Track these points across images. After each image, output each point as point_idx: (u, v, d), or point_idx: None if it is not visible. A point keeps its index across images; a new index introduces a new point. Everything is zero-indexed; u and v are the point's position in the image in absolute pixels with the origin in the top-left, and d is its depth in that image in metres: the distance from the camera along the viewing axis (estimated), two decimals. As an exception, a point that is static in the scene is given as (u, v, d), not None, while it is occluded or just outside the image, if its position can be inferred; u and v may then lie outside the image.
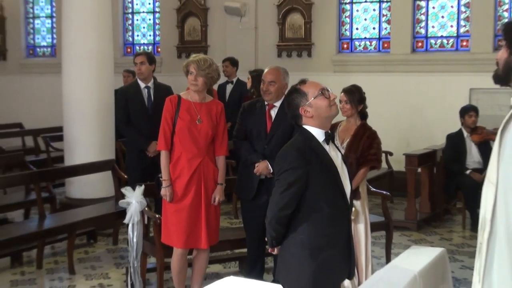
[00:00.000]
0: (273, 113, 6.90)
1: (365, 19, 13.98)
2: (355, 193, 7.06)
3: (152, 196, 7.56)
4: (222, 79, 12.31)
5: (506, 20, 10.75)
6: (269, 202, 4.53)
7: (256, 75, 11.24)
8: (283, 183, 4.36)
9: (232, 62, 12.67)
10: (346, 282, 6.61)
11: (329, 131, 4.60)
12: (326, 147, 4.52)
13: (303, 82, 4.64)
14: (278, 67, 7.08)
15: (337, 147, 4.78)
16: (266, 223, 4.50)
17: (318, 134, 4.49)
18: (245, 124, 7.03)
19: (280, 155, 4.54)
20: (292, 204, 4.34)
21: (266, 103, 6.95)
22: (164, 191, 6.54)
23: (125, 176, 9.33)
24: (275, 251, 4.60)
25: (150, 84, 8.82)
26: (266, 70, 7.01)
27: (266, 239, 4.64)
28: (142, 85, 8.85)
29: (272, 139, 6.67)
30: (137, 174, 8.59)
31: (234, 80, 12.51)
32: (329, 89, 4.56)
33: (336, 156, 4.61)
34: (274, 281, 4.98)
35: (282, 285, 4.67)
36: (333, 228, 4.46)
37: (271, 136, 6.72)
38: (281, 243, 4.52)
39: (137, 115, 8.71)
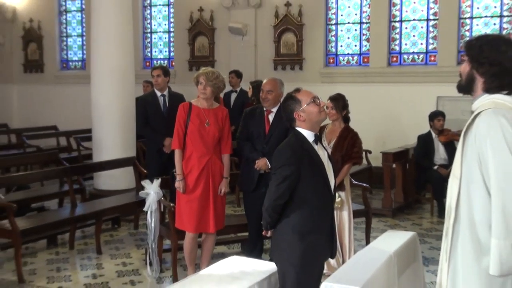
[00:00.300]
0: (271, 117, 6.89)
1: (348, 38, 13.94)
2: (340, 185, 7.09)
3: (167, 187, 7.56)
4: (228, 88, 12.36)
5: (467, 39, 10.71)
6: (267, 193, 4.60)
7: (256, 85, 11.27)
8: (279, 177, 4.45)
9: (237, 74, 12.76)
10: (332, 261, 6.62)
11: (318, 133, 4.70)
12: (315, 146, 4.63)
13: (297, 90, 4.73)
14: (275, 78, 7.07)
15: (324, 147, 4.83)
16: (263, 210, 4.57)
17: (309, 135, 4.59)
18: (247, 126, 7.01)
19: (276, 153, 4.63)
20: (286, 195, 4.43)
21: (264, 109, 6.93)
22: (178, 184, 6.59)
23: (144, 171, 9.31)
24: (269, 234, 4.70)
25: (165, 93, 8.90)
26: (264, 81, 7.02)
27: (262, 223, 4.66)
28: (158, 93, 8.90)
29: (271, 139, 6.64)
30: (154, 169, 8.63)
31: (238, 89, 12.54)
32: (319, 98, 4.67)
33: (323, 154, 4.72)
34: (271, 260, 4.95)
35: (276, 263, 4.76)
36: (319, 216, 4.56)
37: (270, 136, 6.70)
38: (274, 227, 4.59)
39: (154, 118, 8.78)
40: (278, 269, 4.69)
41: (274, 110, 6.85)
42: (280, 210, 4.50)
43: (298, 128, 4.63)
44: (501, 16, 12.41)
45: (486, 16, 12.55)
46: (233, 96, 12.52)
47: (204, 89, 6.56)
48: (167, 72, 9.06)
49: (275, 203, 4.46)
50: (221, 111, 6.80)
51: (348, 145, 7.17)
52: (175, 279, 6.90)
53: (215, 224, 6.63)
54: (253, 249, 6.87)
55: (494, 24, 12.49)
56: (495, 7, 12.44)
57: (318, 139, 4.67)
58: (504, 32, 12.16)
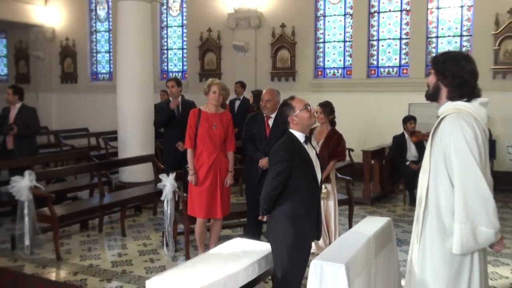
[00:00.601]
0: (270, 122, 6.87)
1: (334, 54, 13.90)
2: (327, 179, 7.11)
3: (181, 180, 7.58)
4: (233, 96, 12.43)
5: (434, 55, 10.68)
6: (264, 184, 4.63)
7: (256, 94, 11.27)
8: (274, 172, 4.51)
9: (242, 85, 12.77)
10: (320, 242, 6.62)
11: (308, 135, 4.75)
12: (305, 146, 4.67)
13: (292, 98, 4.76)
14: (273, 89, 7.03)
15: (313, 146, 4.85)
16: (260, 199, 4.62)
17: (300, 136, 4.65)
18: (249, 130, 6.97)
19: (272, 151, 4.69)
20: (280, 186, 4.49)
21: (264, 115, 6.91)
22: (191, 177, 6.61)
23: (162, 166, 9.28)
24: (265, 219, 4.74)
25: (179, 100, 8.85)
26: (264, 92, 7.00)
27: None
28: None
29: (271, 141, 6.60)
30: (170, 165, 8.62)
31: (241, 97, 12.52)
32: (310, 105, 4.72)
33: (312, 153, 4.75)
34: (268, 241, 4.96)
35: (271, 245, 4.76)
36: (307, 205, 4.61)
37: (270, 139, 6.66)
38: (270, 213, 4.64)
39: (170, 121, 8.74)
40: (272, 250, 4.71)
41: (273, 116, 6.82)
42: (275, 199, 4.54)
43: (291, 130, 4.67)
44: (461, 35, 12.43)
45: (449, 36, 12.56)
46: (237, 103, 12.50)
47: (218, 97, 6.64)
48: (180, 83, 9.05)
49: (270, 193, 4.51)
50: (225, 115, 6.82)
51: (334, 145, 7.20)
52: (187, 257, 6.88)
53: (222, 211, 6.67)
54: (253, 233, 6.86)
55: (456, 42, 12.50)
56: (456, 28, 12.46)
57: (308, 139, 4.72)
58: (463, 49, 12.18)
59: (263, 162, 6.53)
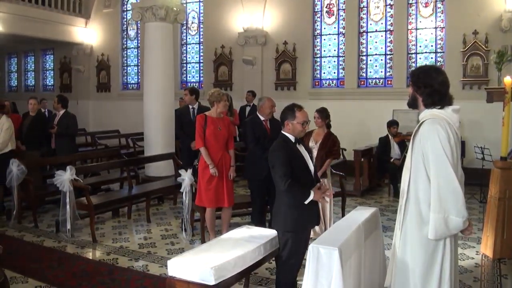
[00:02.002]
0: (268, 124, 6.94)
1: (329, 67, 13.84)
2: (324, 174, 7.05)
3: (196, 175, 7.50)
4: (244, 103, 12.44)
5: (413, 69, 10.65)
6: (276, 186, 4.55)
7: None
8: (281, 174, 4.38)
9: (253, 94, 12.79)
10: (317, 228, 6.59)
11: (298, 138, 4.65)
12: (297, 146, 4.60)
13: (300, 108, 4.63)
14: (271, 98, 7.20)
15: (304, 146, 4.73)
16: (285, 188, 4.39)
17: (292, 138, 4.58)
18: (255, 133, 6.88)
19: (272, 153, 4.56)
20: (286, 170, 4.36)
21: (262, 119, 6.94)
22: (212, 170, 6.53)
23: (181, 162, 9.26)
24: (325, 196, 4.56)
25: (195, 106, 8.80)
26: (268, 101, 7.05)
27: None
28: (190, 107, 8.83)
29: (273, 140, 6.58)
30: (187, 162, 8.56)
31: (251, 104, 12.48)
32: (308, 122, 4.65)
33: (302, 150, 4.65)
34: (271, 227, 4.92)
35: (276, 230, 4.71)
36: None
37: (272, 138, 6.59)
38: (303, 195, 4.43)
39: (186, 124, 8.68)
40: (278, 234, 4.66)
41: (268, 119, 6.97)
42: (295, 184, 4.35)
43: (284, 132, 4.62)
44: (435, 52, 12.42)
45: (426, 52, 12.54)
46: (248, 109, 12.48)
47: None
48: (192, 91, 8.90)
49: (287, 184, 4.34)
50: (226, 119, 6.85)
51: (330, 145, 7.17)
52: (203, 241, 6.86)
53: (228, 201, 6.65)
54: (259, 221, 6.81)
55: (431, 58, 12.48)
56: (431, 45, 12.47)
57: (298, 141, 4.63)
58: (438, 63, 12.21)
59: None
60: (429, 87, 3.45)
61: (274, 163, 4.45)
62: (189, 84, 16.09)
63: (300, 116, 4.56)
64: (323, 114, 7.31)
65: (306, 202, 4.43)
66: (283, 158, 4.40)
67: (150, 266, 6.10)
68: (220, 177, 6.58)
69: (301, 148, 4.65)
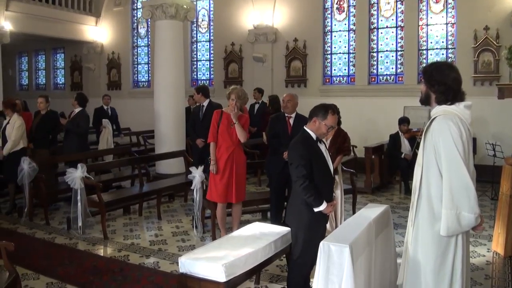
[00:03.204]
0: (291, 121, 6.84)
1: (339, 64, 13.81)
2: (335, 171, 7.03)
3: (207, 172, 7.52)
4: (252, 100, 12.39)
5: (424, 65, 10.64)
6: (293, 186, 4.55)
7: (272, 98, 11.28)
8: (299, 175, 4.37)
9: (259, 91, 12.66)
10: (328, 226, 6.56)
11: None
12: (318, 144, 4.59)
13: (333, 111, 4.59)
14: (292, 93, 7.11)
15: (324, 143, 4.71)
16: (305, 199, 4.42)
17: (313, 135, 4.56)
18: (273, 128, 6.89)
19: (292, 148, 4.57)
20: (306, 180, 4.36)
21: (286, 115, 6.88)
22: (212, 167, 6.62)
23: (191, 160, 9.25)
24: (324, 208, 4.48)
25: (204, 103, 8.54)
26: (285, 94, 7.05)
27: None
28: (200, 105, 8.81)
29: (293, 137, 6.56)
30: (198, 159, 8.54)
31: (260, 101, 12.46)
32: (334, 128, 4.70)
33: (323, 148, 4.65)
34: (285, 224, 4.91)
35: (290, 227, 4.77)
36: (322, 191, 4.48)
37: (293, 135, 6.56)
38: (320, 199, 4.42)
39: (197, 122, 8.59)
40: (291, 231, 4.66)
41: (293, 115, 6.85)
42: (312, 187, 4.36)
43: (307, 128, 4.59)
44: (446, 48, 12.34)
45: (437, 48, 12.45)
46: (256, 106, 12.45)
47: (234, 104, 6.63)
48: (198, 90, 8.62)
49: (304, 186, 4.35)
50: (242, 117, 6.77)
51: (341, 141, 7.16)
52: (213, 238, 6.86)
53: (236, 197, 6.65)
54: (276, 218, 6.81)
55: (442, 54, 12.40)
56: (442, 42, 12.38)
57: (318, 140, 4.60)
58: (449, 60, 12.11)
59: (286, 155, 6.51)
60: (443, 85, 3.43)
61: (294, 160, 4.45)
62: (199, 82, 16.15)
63: (330, 120, 4.53)
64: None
65: (315, 210, 4.44)
66: (303, 157, 4.38)
67: (161, 263, 6.11)
68: (231, 173, 6.59)
69: (322, 147, 4.64)
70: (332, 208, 4.53)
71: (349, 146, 7.41)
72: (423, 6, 12.60)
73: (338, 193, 7.11)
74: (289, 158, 4.54)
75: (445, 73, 3.46)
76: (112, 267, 5.97)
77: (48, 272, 5.76)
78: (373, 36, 13.29)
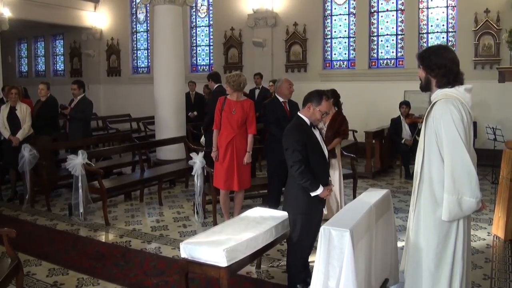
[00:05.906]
0: (287, 106, 6.84)
1: (340, 48, 13.75)
2: (333, 154, 7.02)
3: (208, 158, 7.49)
4: (253, 86, 12.36)
5: (419, 51, 10.61)
6: (289, 171, 4.52)
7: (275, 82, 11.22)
8: (296, 160, 4.38)
9: (261, 76, 12.67)
10: (324, 210, 6.55)
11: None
12: (312, 129, 4.59)
13: (327, 98, 4.61)
14: (287, 80, 7.07)
15: (317, 128, 4.69)
16: (301, 184, 4.43)
17: (307, 121, 4.56)
18: (275, 114, 6.78)
19: (287, 134, 4.56)
20: (302, 165, 4.37)
21: (281, 100, 6.85)
22: (214, 154, 6.63)
23: (192, 146, 9.24)
24: (329, 191, 4.57)
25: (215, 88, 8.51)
26: (289, 81, 7.00)
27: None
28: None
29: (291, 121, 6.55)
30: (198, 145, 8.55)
31: (260, 87, 12.44)
32: (328, 113, 4.70)
33: (317, 133, 4.64)
34: (283, 210, 4.92)
35: (288, 212, 4.77)
36: (318, 176, 4.49)
37: (291, 119, 6.56)
38: (316, 183, 4.44)
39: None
40: (289, 217, 4.67)
41: (286, 100, 6.88)
42: (308, 172, 4.37)
43: (301, 114, 4.59)
44: (447, 32, 12.31)
45: (437, 32, 12.41)
46: (257, 91, 12.43)
47: (225, 88, 6.72)
48: (208, 77, 8.65)
49: (300, 171, 4.36)
50: (247, 102, 6.68)
51: (338, 125, 7.17)
52: (215, 223, 6.89)
53: (238, 185, 6.61)
54: (274, 203, 6.81)
55: (443, 37, 12.36)
56: (443, 25, 12.34)
57: (312, 125, 4.60)
58: (449, 43, 12.08)
59: None
60: (443, 67, 3.39)
61: (289, 145, 4.44)
62: (199, 68, 16.14)
63: (325, 106, 4.53)
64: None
65: (312, 195, 4.45)
66: (298, 142, 4.38)
67: (163, 248, 6.13)
68: (231, 161, 6.54)
69: (316, 132, 4.62)
70: (329, 192, 4.55)
71: (347, 129, 7.42)
72: (423, -11, 12.51)
73: (337, 178, 7.10)
74: (284, 143, 4.51)
75: (443, 55, 3.43)
76: (114, 252, 6.00)
77: (50, 258, 5.78)
78: (373, 19, 13.21)
